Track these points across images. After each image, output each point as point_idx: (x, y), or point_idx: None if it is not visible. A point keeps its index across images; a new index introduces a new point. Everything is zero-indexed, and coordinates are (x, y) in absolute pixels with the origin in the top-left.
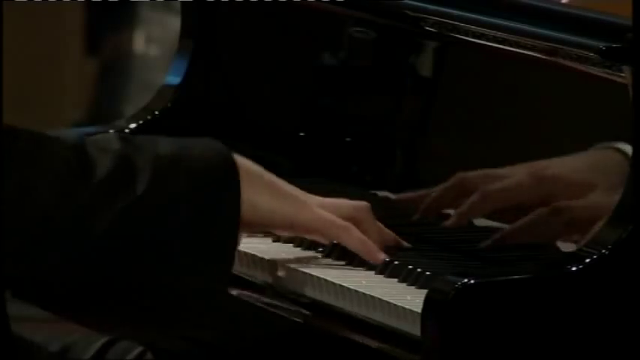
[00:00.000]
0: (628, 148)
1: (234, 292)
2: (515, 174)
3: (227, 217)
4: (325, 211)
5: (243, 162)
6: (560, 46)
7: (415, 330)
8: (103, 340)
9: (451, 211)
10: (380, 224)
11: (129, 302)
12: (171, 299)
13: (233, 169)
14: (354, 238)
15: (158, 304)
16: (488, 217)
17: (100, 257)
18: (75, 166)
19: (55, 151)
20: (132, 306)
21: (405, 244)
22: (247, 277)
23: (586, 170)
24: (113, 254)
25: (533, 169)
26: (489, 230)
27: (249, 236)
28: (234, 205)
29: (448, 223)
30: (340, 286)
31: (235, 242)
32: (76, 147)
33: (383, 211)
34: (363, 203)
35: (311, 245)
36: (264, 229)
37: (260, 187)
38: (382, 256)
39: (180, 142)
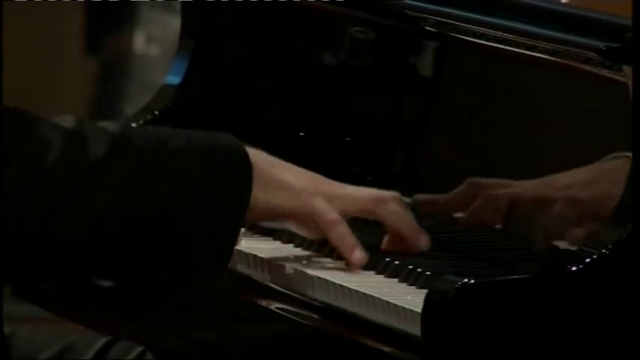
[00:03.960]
0: None
1: (234, 292)
2: (526, 185)
3: (231, 218)
4: (329, 201)
5: (254, 157)
6: (560, 46)
7: (415, 330)
8: (103, 340)
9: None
10: (404, 212)
11: (125, 293)
12: (165, 288)
13: (247, 171)
14: (335, 234)
15: (154, 293)
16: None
17: (96, 244)
18: (70, 149)
19: (49, 139)
20: (128, 297)
21: (426, 239)
22: (247, 277)
23: (599, 182)
24: (108, 241)
25: (546, 185)
26: (489, 230)
27: (250, 236)
28: (240, 208)
29: (461, 221)
30: (340, 286)
31: (234, 243)
32: (73, 131)
33: None
34: (384, 196)
35: (311, 245)
36: (260, 221)
37: (262, 183)
38: (360, 256)
39: (194, 135)
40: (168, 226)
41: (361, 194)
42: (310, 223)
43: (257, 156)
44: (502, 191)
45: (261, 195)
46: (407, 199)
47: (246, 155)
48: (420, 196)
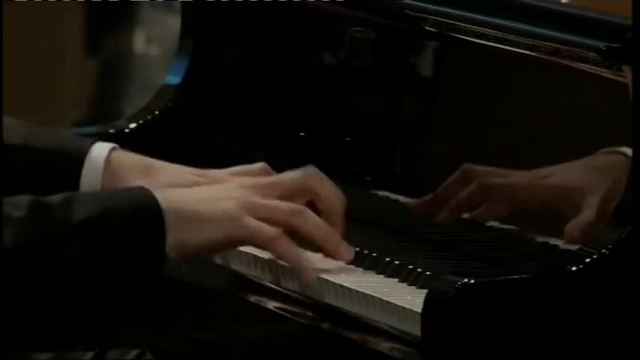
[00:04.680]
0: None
1: (234, 292)
2: (517, 175)
3: (148, 272)
4: (258, 213)
5: (168, 201)
6: (560, 46)
7: (415, 330)
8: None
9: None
10: (321, 224)
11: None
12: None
13: (159, 220)
14: (278, 250)
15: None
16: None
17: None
18: None
19: None
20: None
21: (347, 251)
22: (247, 277)
23: (588, 175)
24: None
25: (535, 175)
26: (489, 230)
27: None
28: (155, 260)
29: (442, 215)
30: (340, 286)
31: (154, 291)
32: None
33: (383, 211)
34: (299, 206)
35: (311, 245)
36: (205, 254)
37: (183, 223)
38: (308, 264)
39: (103, 197)
40: (92, 290)
41: (278, 208)
42: (246, 243)
43: (170, 197)
44: (497, 181)
45: (185, 235)
46: (406, 199)
47: (156, 204)
48: (413, 203)
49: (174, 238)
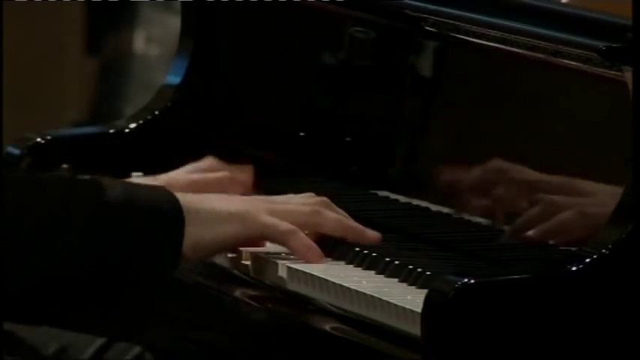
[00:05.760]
0: None
1: (233, 292)
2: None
3: (166, 263)
4: (275, 216)
5: (184, 201)
6: (560, 46)
7: (415, 330)
8: (102, 339)
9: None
10: (342, 217)
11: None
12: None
13: (178, 216)
14: (295, 243)
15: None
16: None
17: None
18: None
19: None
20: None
21: (374, 233)
22: (246, 277)
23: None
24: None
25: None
26: (489, 230)
27: None
28: (175, 251)
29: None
30: (340, 286)
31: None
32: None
33: (383, 211)
34: (318, 202)
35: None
36: (219, 253)
37: (200, 222)
38: (322, 259)
39: (129, 187)
40: (112, 270)
41: (297, 209)
42: (264, 242)
43: (187, 197)
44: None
45: (203, 232)
46: (406, 199)
47: (176, 201)
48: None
49: (191, 235)
